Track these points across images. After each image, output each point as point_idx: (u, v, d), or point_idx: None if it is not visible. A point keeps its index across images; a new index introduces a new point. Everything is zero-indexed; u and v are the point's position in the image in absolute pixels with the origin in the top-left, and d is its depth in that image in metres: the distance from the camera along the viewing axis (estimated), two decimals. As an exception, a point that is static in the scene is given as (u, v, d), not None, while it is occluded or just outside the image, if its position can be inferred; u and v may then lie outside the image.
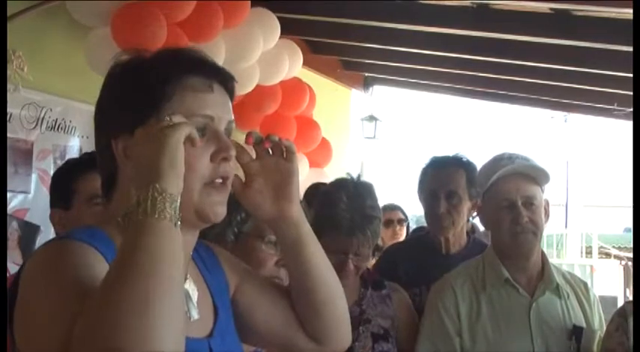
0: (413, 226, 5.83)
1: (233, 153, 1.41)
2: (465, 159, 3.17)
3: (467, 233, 3.26)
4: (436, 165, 3.20)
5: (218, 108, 1.43)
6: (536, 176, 2.72)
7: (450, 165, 3.17)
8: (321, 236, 2.54)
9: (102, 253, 1.29)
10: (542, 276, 2.71)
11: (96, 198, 2.34)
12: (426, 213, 3.23)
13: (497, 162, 2.77)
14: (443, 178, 3.15)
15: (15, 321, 1.26)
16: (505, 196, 2.67)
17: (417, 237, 3.52)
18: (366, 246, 2.62)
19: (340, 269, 2.56)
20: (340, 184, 2.76)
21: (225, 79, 1.48)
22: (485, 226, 3.00)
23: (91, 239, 1.31)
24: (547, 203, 2.75)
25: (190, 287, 1.47)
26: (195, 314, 1.45)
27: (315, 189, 3.49)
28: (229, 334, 1.54)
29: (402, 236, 5.43)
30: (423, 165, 3.24)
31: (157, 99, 1.38)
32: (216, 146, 1.39)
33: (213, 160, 1.39)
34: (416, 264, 3.15)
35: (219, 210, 1.42)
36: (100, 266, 1.25)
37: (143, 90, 1.39)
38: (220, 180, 1.41)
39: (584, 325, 2.67)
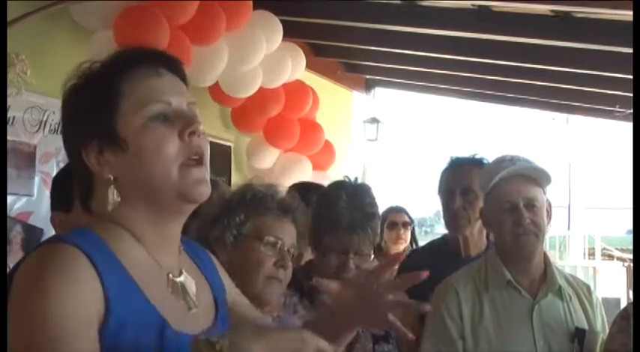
0: (416, 227, 5.80)
1: (199, 126, 1.42)
2: (481, 159, 3.20)
3: (487, 236, 3.24)
4: (453, 164, 3.26)
5: (172, 91, 1.44)
6: (537, 177, 2.72)
7: (466, 164, 3.21)
8: (321, 236, 2.58)
9: (91, 257, 1.30)
10: (545, 278, 2.71)
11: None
12: (444, 213, 3.26)
13: (499, 163, 2.77)
14: (458, 176, 3.19)
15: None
16: (507, 198, 2.67)
17: (435, 242, 3.54)
18: (367, 243, 2.63)
19: (341, 269, 2.57)
20: (339, 185, 2.78)
21: (171, 64, 1.49)
22: (487, 228, 3.00)
23: (83, 241, 1.33)
24: (549, 204, 2.75)
25: (187, 280, 1.48)
26: (193, 307, 1.46)
27: (304, 189, 3.45)
28: (226, 325, 1.55)
29: (407, 239, 5.40)
30: (443, 167, 3.29)
31: (110, 97, 1.40)
32: (181, 124, 1.40)
33: (182, 138, 1.40)
34: (435, 270, 3.10)
35: (202, 189, 1.42)
36: (81, 287, 1.27)
37: (97, 95, 1.41)
38: (196, 157, 1.41)
39: (586, 327, 2.67)
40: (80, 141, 1.43)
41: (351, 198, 2.66)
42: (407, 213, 5.57)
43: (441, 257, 3.22)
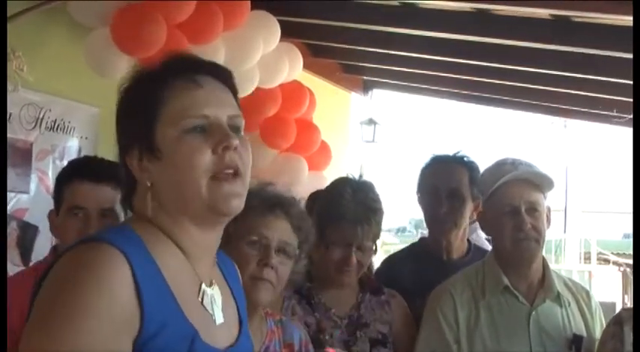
0: (411, 230, 5.80)
1: (235, 142, 1.41)
2: (467, 158, 3.11)
3: (467, 239, 3.20)
4: (437, 162, 3.14)
5: (212, 104, 1.43)
6: (539, 182, 2.70)
7: (452, 163, 3.10)
8: (324, 228, 2.57)
9: (128, 259, 1.29)
10: (543, 284, 2.69)
11: (75, 210, 2.35)
12: (425, 214, 3.15)
13: (500, 167, 2.74)
14: (445, 176, 3.07)
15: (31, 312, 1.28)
16: (508, 202, 2.65)
17: (416, 244, 3.40)
18: (370, 237, 2.63)
19: (344, 263, 2.58)
20: (344, 180, 2.81)
21: (218, 73, 1.49)
22: (486, 232, 2.97)
23: (123, 241, 1.32)
24: (549, 209, 2.73)
25: (216, 292, 1.48)
26: (220, 318, 1.46)
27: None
28: (248, 347, 1.57)
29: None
30: (423, 164, 3.17)
31: (151, 105, 1.41)
32: (216, 138, 1.40)
33: (215, 151, 1.40)
34: (417, 274, 3.05)
35: (233, 203, 1.42)
36: (116, 290, 1.26)
37: (139, 101, 1.43)
38: (230, 171, 1.41)
39: (584, 334, 2.65)
40: (124, 145, 1.45)
41: (355, 192, 2.68)
42: None
43: (422, 261, 3.13)
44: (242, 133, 1.47)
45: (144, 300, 1.28)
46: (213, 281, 1.49)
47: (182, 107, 1.41)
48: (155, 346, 1.28)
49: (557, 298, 2.69)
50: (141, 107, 1.42)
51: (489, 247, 2.98)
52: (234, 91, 1.52)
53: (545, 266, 2.74)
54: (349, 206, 2.62)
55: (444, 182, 3.06)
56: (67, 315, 1.22)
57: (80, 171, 2.40)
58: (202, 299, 1.43)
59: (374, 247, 2.70)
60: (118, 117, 1.49)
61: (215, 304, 1.46)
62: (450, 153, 3.16)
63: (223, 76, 1.50)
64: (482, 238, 3.68)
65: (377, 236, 2.69)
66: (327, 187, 2.88)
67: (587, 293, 2.82)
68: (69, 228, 2.34)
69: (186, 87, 1.43)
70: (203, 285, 1.45)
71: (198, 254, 1.46)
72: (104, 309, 1.24)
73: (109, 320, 1.24)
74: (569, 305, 2.71)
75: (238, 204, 1.43)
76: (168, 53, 1.53)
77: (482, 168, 2.97)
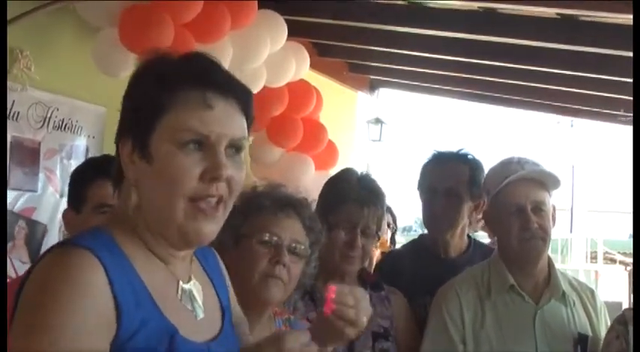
0: (417, 229, 5.80)
1: (224, 172, 1.37)
2: (469, 156, 3.08)
3: (468, 236, 3.18)
4: (437, 160, 3.11)
5: (215, 124, 1.38)
6: (545, 181, 2.69)
7: (453, 161, 3.08)
8: (330, 211, 2.59)
9: (104, 263, 1.29)
10: (549, 283, 2.69)
11: (103, 207, 2.36)
12: (422, 212, 3.12)
13: (507, 166, 2.73)
14: (443, 174, 3.05)
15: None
16: (514, 201, 2.64)
17: (416, 241, 3.37)
18: (374, 221, 2.65)
19: (349, 245, 2.59)
20: (349, 169, 2.86)
21: (234, 93, 1.43)
22: (492, 232, 2.96)
23: (98, 245, 1.32)
24: (554, 208, 2.73)
25: (195, 287, 1.48)
26: (200, 313, 1.45)
27: None
28: (232, 335, 1.55)
29: (386, 242, 5.33)
30: (425, 161, 3.14)
31: (155, 109, 1.38)
32: (207, 164, 1.37)
33: (202, 179, 1.36)
34: (416, 271, 3.05)
35: (204, 238, 1.40)
36: (92, 291, 1.27)
37: (145, 98, 1.40)
38: (214, 199, 1.39)
39: (589, 333, 2.65)
40: (121, 132, 1.43)
41: (361, 178, 2.74)
42: (391, 214, 5.52)
43: (420, 258, 3.12)
44: (241, 154, 1.44)
45: (120, 302, 1.28)
46: (192, 276, 1.49)
47: (184, 121, 1.37)
48: (134, 346, 1.29)
49: (563, 297, 2.69)
50: (145, 106, 1.39)
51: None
52: (247, 114, 1.45)
53: (550, 265, 2.73)
54: (355, 188, 2.66)
55: (441, 180, 3.04)
56: (44, 318, 1.24)
57: (104, 170, 2.40)
58: (181, 297, 1.43)
59: (377, 237, 2.71)
60: (125, 98, 1.45)
61: (195, 300, 1.46)
62: (453, 150, 3.14)
63: (240, 97, 1.44)
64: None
65: (381, 222, 2.71)
66: (332, 176, 2.91)
67: (592, 292, 2.81)
68: None
69: (195, 102, 1.37)
70: (180, 283, 1.44)
71: (174, 261, 1.45)
72: (80, 312, 1.25)
73: (85, 322, 1.24)
74: (575, 304, 2.70)
75: (211, 231, 1.41)
76: (191, 53, 1.48)
77: (487, 167, 2.95)
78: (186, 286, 1.45)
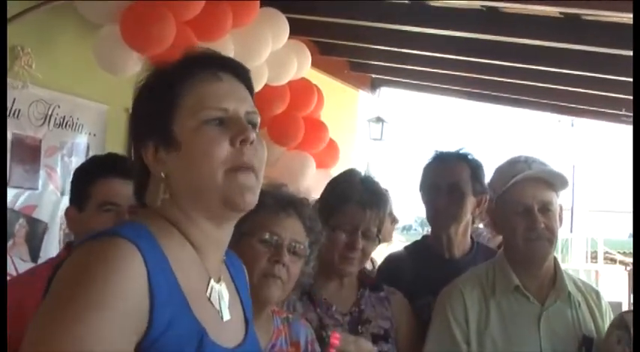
0: (417, 228, 5.78)
1: (252, 135, 1.41)
2: (468, 155, 3.09)
3: (470, 237, 3.17)
4: (438, 159, 3.13)
5: (230, 98, 1.44)
6: (553, 182, 2.67)
7: (453, 160, 3.09)
8: (331, 211, 2.59)
9: (142, 253, 1.29)
10: (554, 284, 2.66)
11: (106, 205, 2.36)
12: (426, 210, 3.12)
13: (514, 165, 2.71)
14: (445, 171, 3.06)
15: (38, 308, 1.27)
16: (521, 201, 2.62)
17: (419, 241, 3.34)
18: (376, 223, 2.64)
19: (349, 247, 2.58)
20: (352, 170, 2.85)
21: (235, 69, 1.49)
22: (497, 231, 2.94)
23: (138, 236, 1.32)
24: (561, 208, 2.71)
25: (223, 288, 1.48)
26: (226, 315, 1.45)
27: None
28: (256, 346, 1.57)
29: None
30: (426, 161, 3.16)
31: (170, 98, 1.41)
32: (234, 130, 1.41)
33: (233, 144, 1.40)
34: (419, 272, 3.03)
35: (247, 197, 1.42)
36: (132, 284, 1.26)
37: (157, 95, 1.43)
38: (245, 165, 1.41)
39: (594, 335, 2.62)
40: (141, 140, 1.44)
41: (364, 179, 2.72)
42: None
43: (424, 259, 3.11)
44: (258, 130, 1.47)
45: (155, 295, 1.27)
46: (221, 278, 1.49)
47: (202, 98, 1.41)
48: (164, 344, 1.27)
49: (568, 298, 2.66)
50: (160, 98, 1.42)
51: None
52: (251, 90, 1.52)
53: (556, 266, 2.70)
54: (357, 189, 2.64)
55: (444, 177, 3.05)
56: (79, 307, 1.21)
57: (109, 168, 2.41)
58: (210, 294, 1.43)
59: (377, 240, 2.69)
60: (135, 111, 1.49)
61: (222, 300, 1.46)
62: (452, 149, 3.15)
63: (243, 74, 1.50)
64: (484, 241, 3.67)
65: (382, 224, 2.69)
66: (335, 176, 2.90)
67: (598, 293, 2.78)
68: (100, 224, 2.33)
69: (208, 79, 1.43)
70: (212, 281, 1.44)
71: (208, 248, 1.45)
72: (117, 302, 1.23)
73: (121, 313, 1.23)
74: (580, 305, 2.67)
75: (252, 199, 1.43)
76: (190, 49, 1.53)
77: (488, 167, 2.96)
78: (217, 285, 1.45)
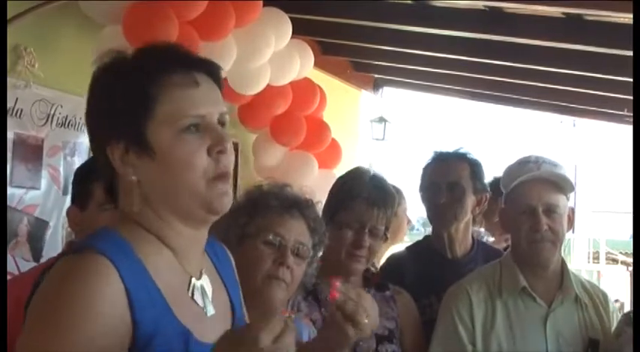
0: (419, 228, 5.78)
1: (228, 144, 1.42)
2: (468, 154, 3.12)
3: (472, 236, 3.18)
4: (437, 159, 3.15)
5: (207, 103, 1.42)
6: (561, 183, 2.67)
7: (453, 159, 3.11)
8: (338, 208, 2.59)
9: (117, 267, 1.30)
10: (561, 285, 2.66)
11: (107, 206, 2.36)
12: (427, 210, 3.14)
13: (523, 165, 2.71)
14: (445, 170, 3.08)
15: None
16: (526, 201, 2.62)
17: (420, 241, 3.36)
18: (383, 221, 2.64)
19: (356, 244, 2.58)
20: (360, 168, 2.88)
21: (209, 70, 1.47)
22: (505, 230, 2.95)
23: (110, 248, 1.32)
24: (571, 211, 2.70)
25: (205, 283, 1.47)
26: (211, 310, 1.45)
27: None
28: None
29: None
30: (426, 162, 3.18)
31: (145, 102, 1.38)
32: (211, 140, 1.40)
33: (210, 154, 1.39)
34: (422, 273, 3.04)
35: (226, 201, 1.43)
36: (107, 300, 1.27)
37: (129, 95, 1.39)
38: (222, 172, 1.42)
39: (601, 337, 2.61)
40: (106, 137, 1.41)
41: (372, 177, 2.72)
42: None
43: (426, 259, 3.12)
44: (227, 129, 1.47)
45: (135, 308, 1.29)
46: (203, 271, 1.49)
47: (179, 106, 1.39)
48: (153, 351, 1.29)
49: (575, 300, 2.65)
50: (133, 99, 1.39)
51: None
52: (220, 87, 1.50)
53: (563, 267, 2.70)
54: (365, 187, 2.65)
55: (444, 176, 3.07)
56: (58, 327, 1.24)
57: None
58: (193, 293, 1.43)
59: (385, 238, 2.69)
60: (99, 103, 1.45)
61: (205, 295, 1.46)
62: (451, 149, 3.18)
63: (216, 72, 1.49)
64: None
65: (389, 223, 2.69)
66: (343, 174, 2.90)
67: (605, 295, 2.77)
68: (101, 224, 2.33)
69: (185, 84, 1.40)
70: (193, 279, 1.45)
71: (187, 249, 1.45)
72: (95, 320, 1.25)
73: (99, 334, 1.24)
74: (587, 307, 2.66)
75: (229, 202, 1.44)
76: (158, 43, 1.50)
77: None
78: (198, 282, 1.45)
